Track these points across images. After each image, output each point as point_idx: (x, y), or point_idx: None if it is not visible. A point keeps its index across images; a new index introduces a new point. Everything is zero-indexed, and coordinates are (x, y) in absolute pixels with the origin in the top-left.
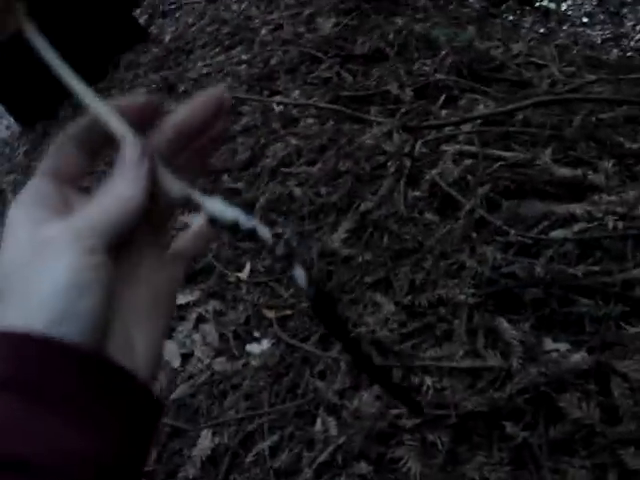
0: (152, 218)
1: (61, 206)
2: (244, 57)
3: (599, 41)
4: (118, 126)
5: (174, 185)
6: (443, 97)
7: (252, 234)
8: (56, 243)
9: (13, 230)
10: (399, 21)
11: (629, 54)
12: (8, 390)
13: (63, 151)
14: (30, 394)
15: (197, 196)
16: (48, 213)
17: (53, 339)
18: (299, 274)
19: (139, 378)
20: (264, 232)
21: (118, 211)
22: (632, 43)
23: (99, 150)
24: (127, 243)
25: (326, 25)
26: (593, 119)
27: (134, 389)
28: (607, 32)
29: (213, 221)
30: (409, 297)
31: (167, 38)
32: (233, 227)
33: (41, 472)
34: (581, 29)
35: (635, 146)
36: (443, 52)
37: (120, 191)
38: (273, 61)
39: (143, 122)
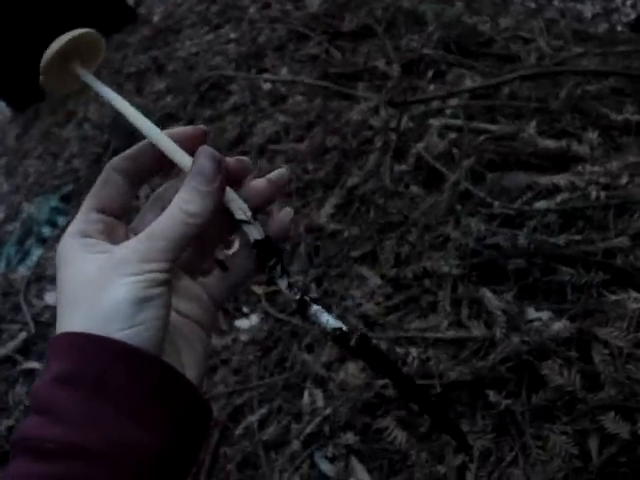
0: (207, 238)
1: (106, 235)
2: (233, 35)
3: (589, 16)
4: (181, 153)
5: (238, 206)
6: (431, 72)
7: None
8: (127, 265)
9: (74, 254)
10: None
11: (619, 28)
12: (72, 384)
13: (108, 183)
14: (92, 388)
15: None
16: (97, 240)
17: (116, 341)
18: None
19: (188, 381)
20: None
21: (183, 228)
22: (622, 18)
23: (142, 179)
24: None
25: (314, 2)
26: (579, 91)
27: (187, 393)
28: (597, 7)
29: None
30: (395, 270)
31: (156, 18)
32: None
33: (96, 459)
34: (571, 4)
35: (620, 117)
36: (431, 27)
37: (188, 206)
38: (261, 39)
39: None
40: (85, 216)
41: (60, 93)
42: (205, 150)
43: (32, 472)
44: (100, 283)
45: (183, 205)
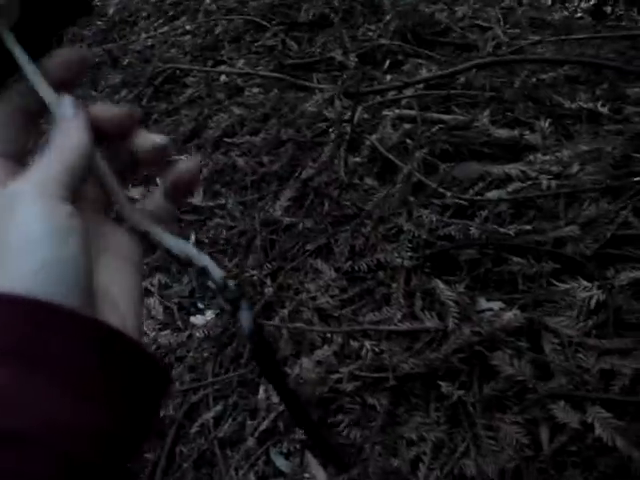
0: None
1: (5, 177)
2: (188, 27)
3: (549, 2)
4: (48, 92)
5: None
6: (387, 62)
7: (204, 272)
8: (23, 195)
9: None
10: None
11: (578, 14)
12: (4, 360)
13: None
14: (27, 364)
15: (158, 232)
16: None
17: (47, 303)
18: (245, 317)
19: (136, 341)
20: (216, 272)
21: (71, 158)
22: (582, 4)
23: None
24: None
25: None
26: (534, 80)
27: (136, 357)
28: None
29: (169, 252)
30: (349, 263)
31: (111, 11)
32: (187, 262)
33: (37, 446)
34: None
35: (574, 105)
36: (388, 17)
37: (66, 142)
38: (217, 30)
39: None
40: None
41: None
42: (62, 99)
43: None
44: (3, 223)
45: (61, 143)
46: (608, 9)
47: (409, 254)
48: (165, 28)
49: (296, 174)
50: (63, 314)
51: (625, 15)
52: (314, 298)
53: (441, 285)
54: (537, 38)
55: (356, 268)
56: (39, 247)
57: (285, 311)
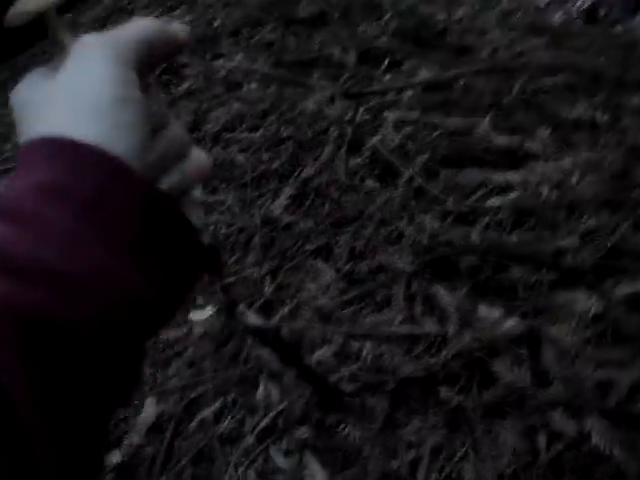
0: None
1: None
2: (187, 18)
3: (543, 4)
4: None
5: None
6: (386, 62)
7: None
8: (97, 54)
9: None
10: None
11: (574, 16)
12: (63, 201)
13: None
14: (84, 211)
15: None
16: None
17: (114, 157)
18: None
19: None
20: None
21: (154, 32)
22: (577, 4)
23: None
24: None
25: None
26: (532, 86)
27: (186, 234)
28: None
29: None
30: (349, 264)
31: None
32: None
33: (75, 291)
34: None
35: (573, 114)
36: (387, 16)
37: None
38: (216, 23)
39: None
40: None
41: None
42: None
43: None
44: (75, 78)
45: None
46: (602, 12)
47: (410, 258)
48: (164, 18)
49: (296, 173)
50: (131, 174)
51: (621, 20)
52: (314, 298)
53: (442, 290)
54: (535, 43)
55: (356, 270)
56: (108, 109)
57: (285, 310)
